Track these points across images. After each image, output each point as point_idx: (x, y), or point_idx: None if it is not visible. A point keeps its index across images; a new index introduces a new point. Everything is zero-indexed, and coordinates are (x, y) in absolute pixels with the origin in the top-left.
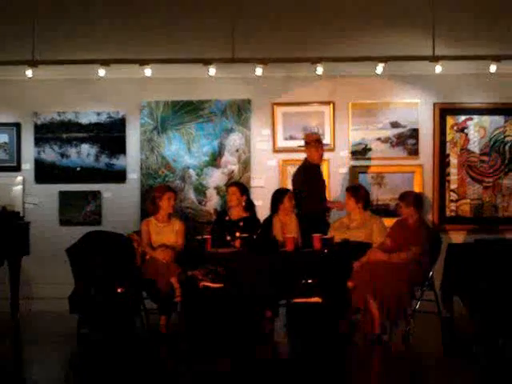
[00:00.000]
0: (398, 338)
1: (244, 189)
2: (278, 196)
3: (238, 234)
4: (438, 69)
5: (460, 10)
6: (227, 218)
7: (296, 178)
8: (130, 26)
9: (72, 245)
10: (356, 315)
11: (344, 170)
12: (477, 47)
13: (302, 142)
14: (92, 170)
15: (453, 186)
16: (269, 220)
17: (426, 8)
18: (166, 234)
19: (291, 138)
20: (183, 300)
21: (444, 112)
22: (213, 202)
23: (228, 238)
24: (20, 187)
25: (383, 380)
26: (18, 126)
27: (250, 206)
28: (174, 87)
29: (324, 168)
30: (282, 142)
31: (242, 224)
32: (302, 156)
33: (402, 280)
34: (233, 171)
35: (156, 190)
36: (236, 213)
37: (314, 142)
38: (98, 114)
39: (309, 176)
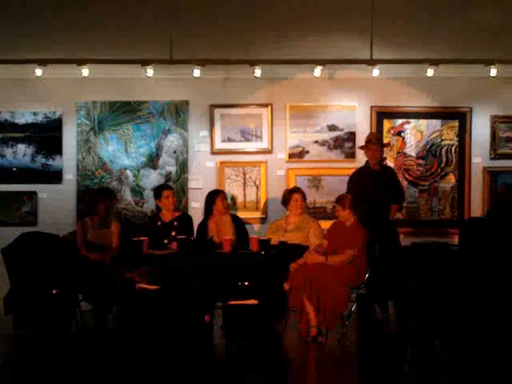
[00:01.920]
0: (333, 339)
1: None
2: (210, 197)
3: (173, 234)
4: (376, 72)
5: (397, 15)
6: (159, 223)
7: (348, 180)
8: (68, 26)
9: (7, 245)
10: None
11: (281, 172)
12: (414, 51)
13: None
14: (28, 170)
15: None
16: (204, 223)
17: (363, 12)
18: (101, 234)
19: (229, 139)
20: (119, 302)
21: (381, 115)
22: (150, 203)
23: (165, 241)
24: None
25: (318, 381)
26: None
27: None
28: (111, 88)
29: (261, 170)
30: (219, 144)
31: (176, 224)
32: (241, 158)
33: (338, 282)
34: (170, 172)
35: (99, 194)
36: (168, 215)
37: (366, 142)
38: (35, 114)
39: (361, 179)
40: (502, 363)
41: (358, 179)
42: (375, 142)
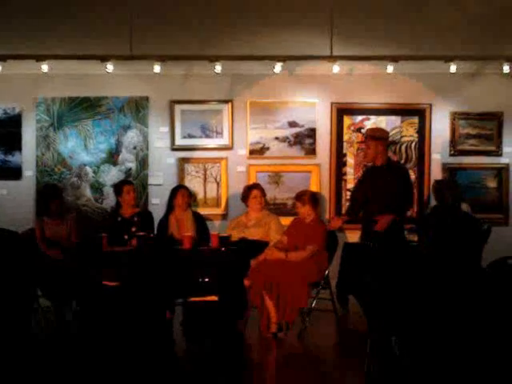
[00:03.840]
0: (293, 336)
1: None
2: (172, 192)
3: (133, 229)
4: (336, 69)
5: (357, 11)
6: (119, 218)
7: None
8: (28, 22)
9: None
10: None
11: (242, 168)
12: (374, 48)
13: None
14: None
15: (349, 186)
16: (165, 218)
17: (323, 8)
18: (58, 230)
19: (190, 135)
20: (79, 298)
21: (341, 112)
22: (110, 199)
23: (126, 236)
24: None
25: (278, 378)
26: None
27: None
28: (71, 83)
29: (222, 166)
30: (180, 140)
31: (136, 219)
32: (201, 154)
33: (299, 278)
34: (130, 169)
35: (46, 192)
36: (129, 211)
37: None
38: None
39: (365, 179)
40: (460, 359)
41: (363, 179)
42: (366, 137)
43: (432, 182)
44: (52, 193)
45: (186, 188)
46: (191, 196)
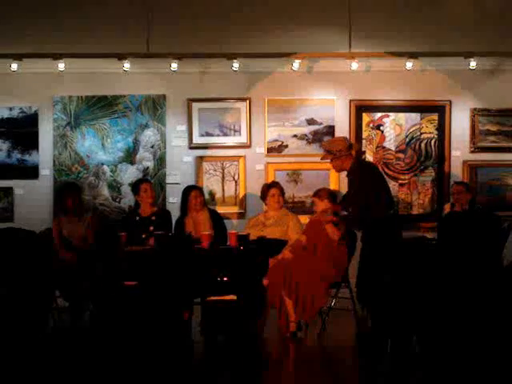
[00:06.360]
0: (313, 335)
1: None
2: (184, 193)
3: (151, 229)
4: (354, 66)
5: (376, 8)
6: (137, 218)
7: None
8: (44, 20)
9: None
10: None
11: (260, 166)
12: (393, 44)
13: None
14: (4, 166)
15: None
16: (181, 219)
17: (342, 5)
18: (77, 229)
19: (207, 134)
20: (96, 298)
21: (360, 109)
22: (127, 198)
23: (143, 236)
24: None
25: (295, 377)
26: None
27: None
28: (87, 82)
29: (240, 164)
30: (197, 139)
31: (154, 219)
32: (219, 152)
33: (318, 277)
34: (148, 167)
35: (64, 188)
36: (146, 209)
37: None
38: (10, 109)
39: None
40: (480, 358)
41: None
42: (326, 152)
43: (452, 178)
44: (69, 189)
45: (198, 188)
46: (204, 195)
